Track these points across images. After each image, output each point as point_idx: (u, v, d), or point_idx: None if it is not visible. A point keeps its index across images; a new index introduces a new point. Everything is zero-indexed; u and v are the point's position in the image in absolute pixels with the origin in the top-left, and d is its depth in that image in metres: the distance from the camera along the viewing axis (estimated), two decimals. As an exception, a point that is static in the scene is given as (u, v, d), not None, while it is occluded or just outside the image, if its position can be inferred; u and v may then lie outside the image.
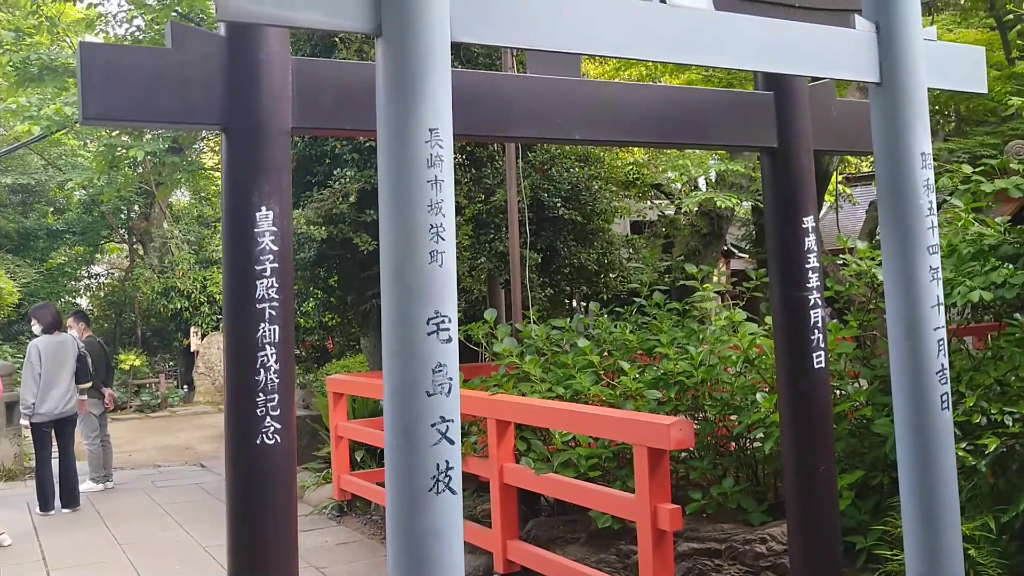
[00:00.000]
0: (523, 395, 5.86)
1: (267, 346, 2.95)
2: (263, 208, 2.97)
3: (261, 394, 2.93)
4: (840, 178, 16.78)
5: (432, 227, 2.39)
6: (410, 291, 2.38)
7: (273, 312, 2.96)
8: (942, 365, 3.27)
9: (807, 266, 3.98)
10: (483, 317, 6.41)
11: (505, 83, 3.42)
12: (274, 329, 2.95)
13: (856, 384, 5.28)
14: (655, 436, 4.31)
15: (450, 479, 2.38)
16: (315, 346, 15.57)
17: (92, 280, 26.49)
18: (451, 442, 2.38)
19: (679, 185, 15.25)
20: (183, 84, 2.95)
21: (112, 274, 27.07)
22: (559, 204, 7.64)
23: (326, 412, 8.97)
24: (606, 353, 6.16)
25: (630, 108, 3.58)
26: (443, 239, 2.41)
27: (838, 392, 5.25)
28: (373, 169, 7.55)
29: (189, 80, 2.96)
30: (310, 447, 9.72)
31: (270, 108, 3.04)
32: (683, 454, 5.51)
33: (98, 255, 26.22)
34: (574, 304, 10.02)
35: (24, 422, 8.78)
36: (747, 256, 16.57)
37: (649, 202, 14.80)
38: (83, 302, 26.84)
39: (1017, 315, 4.94)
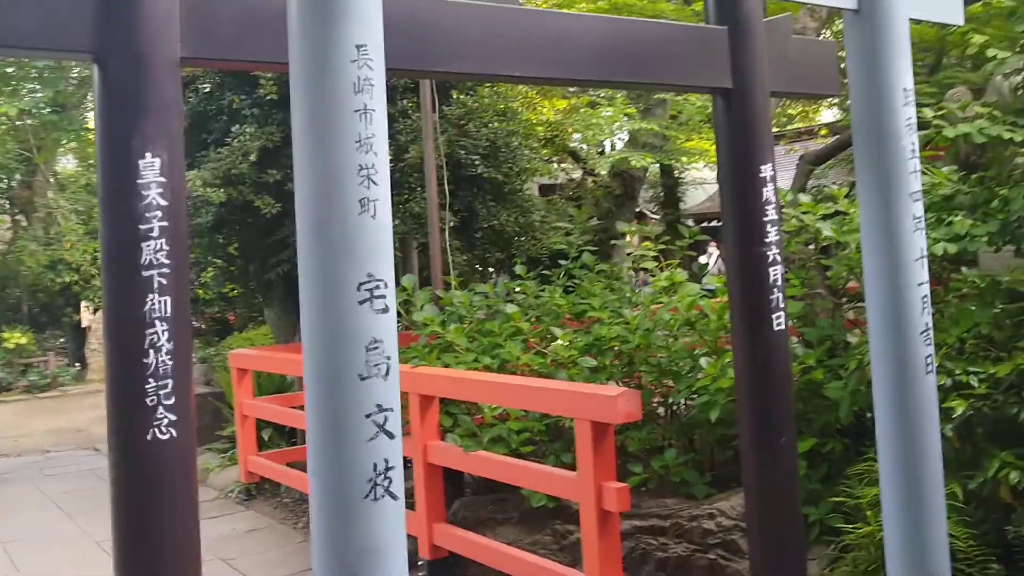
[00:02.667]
0: (447, 367, 5.42)
1: (157, 321, 2.43)
2: (147, 154, 2.44)
3: (151, 379, 2.42)
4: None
5: (362, 168, 1.93)
6: (336, 250, 1.91)
7: (164, 281, 2.44)
8: (926, 325, 2.95)
9: (765, 219, 3.62)
10: (400, 284, 5.93)
11: (432, 9, 2.94)
12: (165, 301, 2.44)
13: (800, 345, 4.99)
14: (600, 409, 3.93)
15: (390, 482, 1.93)
16: (216, 318, 14.82)
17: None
18: (390, 436, 1.94)
19: (586, 147, 14.94)
20: (45, 1, 2.40)
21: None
22: (478, 162, 7.16)
23: (229, 389, 8.39)
24: (534, 320, 5.75)
25: (574, 42, 3.14)
26: (376, 183, 1.95)
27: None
28: (275, 126, 6.97)
29: (51, -3, 2.40)
30: (213, 426, 9.12)
31: (153, 33, 2.50)
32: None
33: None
34: (490, 270, 9.59)
35: None
36: (658, 218, 16.40)
37: (557, 164, 14.45)
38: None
39: (964, 268, 4.71)
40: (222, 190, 6.65)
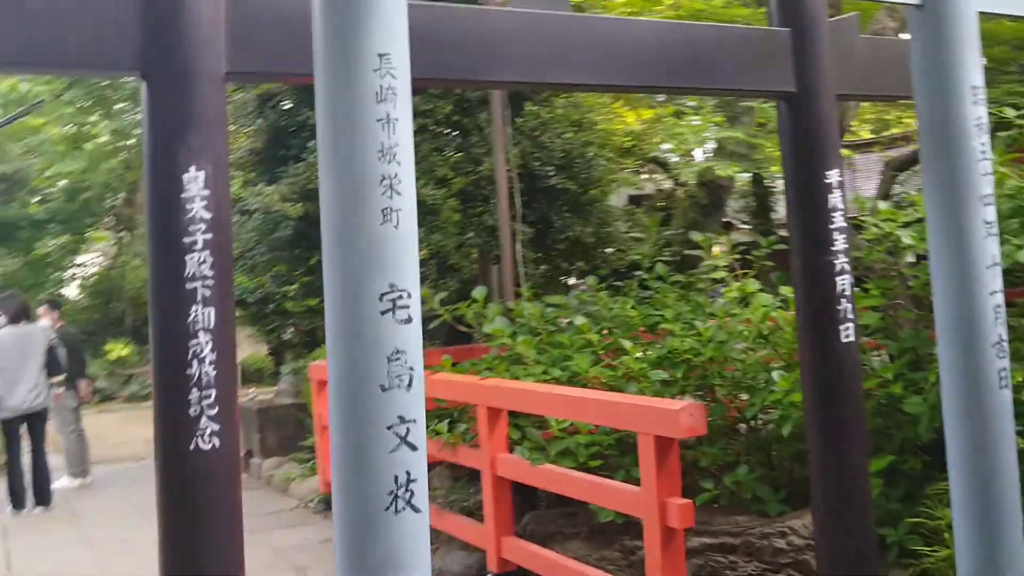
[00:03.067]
0: (516, 379, 5.38)
1: (200, 332, 2.46)
2: (192, 168, 2.47)
3: (195, 390, 2.45)
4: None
5: (384, 178, 1.90)
6: (358, 260, 1.89)
7: (207, 292, 2.47)
8: (1000, 336, 2.78)
9: (832, 227, 3.49)
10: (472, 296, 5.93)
11: (482, 18, 2.92)
12: (208, 312, 2.47)
13: (881, 358, 4.80)
14: (662, 423, 3.84)
15: (412, 494, 1.89)
16: (305, 331, 15.07)
17: (79, 269, 25.92)
18: (413, 448, 1.90)
19: (676, 156, 14.76)
20: (91, 21, 2.46)
21: (99, 263, 26.50)
22: (552, 173, 7.13)
23: (311, 400, 8.49)
24: (606, 331, 5.68)
25: (628, 47, 3.08)
26: (399, 193, 1.92)
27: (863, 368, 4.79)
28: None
29: (99, 16, 2.46)
30: (297, 437, 9.28)
31: (198, 49, 2.54)
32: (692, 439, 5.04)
33: (83, 244, 25.63)
34: (571, 281, 9.53)
35: (-8, 418, 8.31)
36: (748, 228, 16.09)
37: (647, 175, 14.29)
38: (71, 292, 26.35)
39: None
40: (300, 204, 6.76)
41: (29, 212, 24.14)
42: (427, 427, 5.01)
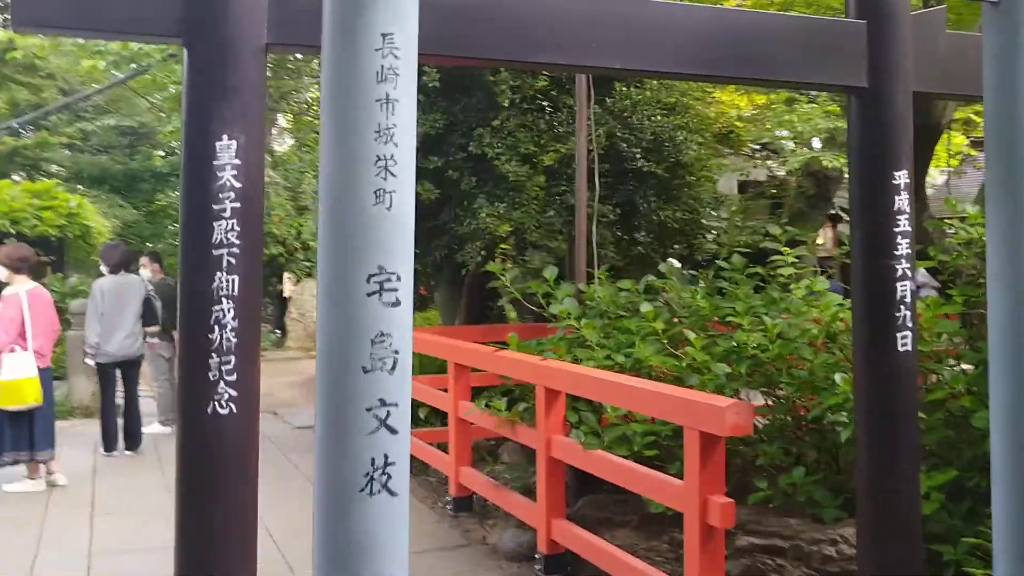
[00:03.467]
0: (578, 362, 5.35)
1: (224, 299, 2.51)
2: (224, 136, 2.51)
3: (215, 355, 2.50)
4: (966, 141, 15.60)
5: (379, 158, 1.89)
6: (347, 239, 1.89)
7: (232, 260, 2.51)
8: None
9: (896, 230, 3.33)
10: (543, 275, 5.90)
11: (528, -2, 2.87)
12: (232, 280, 2.51)
13: (956, 368, 4.58)
14: (708, 419, 3.75)
15: (389, 477, 1.90)
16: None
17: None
18: (393, 431, 1.90)
19: (790, 144, 14.33)
20: (136, -12, 2.51)
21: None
22: (639, 155, 7.00)
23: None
24: (676, 320, 5.58)
25: (681, 33, 2.99)
26: (393, 175, 1.91)
27: (934, 377, 4.58)
28: (439, 113, 7.08)
29: (144, -17, 2.51)
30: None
31: (240, 19, 2.57)
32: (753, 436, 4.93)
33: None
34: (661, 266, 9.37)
35: (89, 362, 8.72)
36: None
37: (755, 161, 13.93)
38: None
39: None
40: (437, 191, 6.86)
41: (152, 164, 25.17)
42: (487, 403, 5.03)
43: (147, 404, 10.52)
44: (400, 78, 1.91)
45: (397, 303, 1.90)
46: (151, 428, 9.89)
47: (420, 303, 13.47)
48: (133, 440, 8.82)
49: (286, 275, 21.54)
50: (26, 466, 7.32)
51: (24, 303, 7.03)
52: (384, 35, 1.89)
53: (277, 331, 22.20)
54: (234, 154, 2.52)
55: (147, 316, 8.85)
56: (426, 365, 8.32)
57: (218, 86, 2.54)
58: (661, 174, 7.19)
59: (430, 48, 2.26)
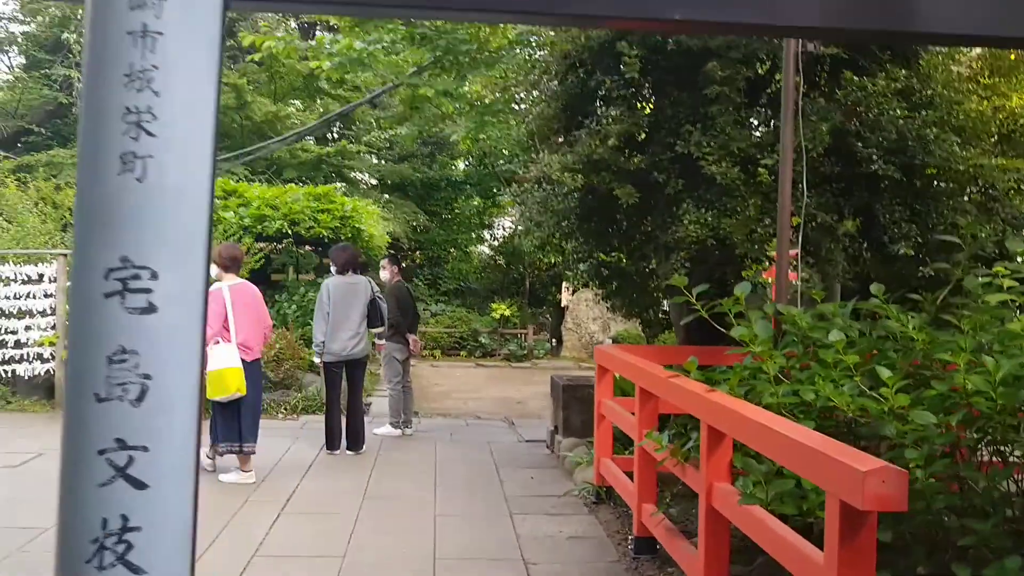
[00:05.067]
0: (757, 397, 4.51)
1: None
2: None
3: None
4: None
5: (129, 111, 1.41)
6: (88, 221, 1.42)
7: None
8: None
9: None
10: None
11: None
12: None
13: None
14: (845, 485, 2.89)
15: (129, 547, 1.40)
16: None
17: (487, 231, 27.67)
18: (139, 485, 1.40)
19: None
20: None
21: (505, 227, 28.09)
22: (875, 156, 5.91)
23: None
24: (875, 352, 4.58)
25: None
26: (152, 135, 1.42)
27: None
28: (645, 106, 6.42)
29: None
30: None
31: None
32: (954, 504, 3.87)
33: (494, 208, 27.22)
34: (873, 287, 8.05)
35: (316, 360, 8.90)
36: None
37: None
38: (482, 250, 28.24)
39: None
40: (580, 176, 6.28)
41: (448, 174, 26.20)
42: (651, 434, 4.31)
43: (380, 405, 10.69)
44: (167, 4, 1.40)
45: (150, 309, 1.39)
46: (382, 429, 10.00)
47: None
48: (355, 440, 8.90)
49: (564, 284, 21.48)
50: (237, 457, 7.55)
51: (228, 298, 7.27)
52: (144, -58, 1.40)
53: (553, 340, 22.22)
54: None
55: (371, 318, 8.91)
56: (628, 385, 7.68)
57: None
58: (904, 180, 6.02)
59: None
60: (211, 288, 7.50)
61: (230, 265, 7.49)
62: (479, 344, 21.10)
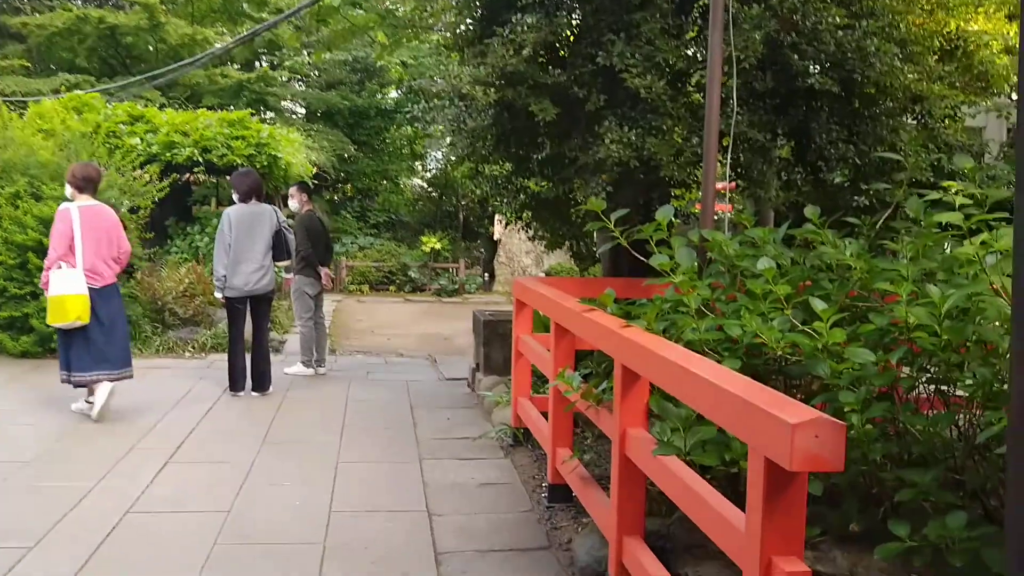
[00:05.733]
0: (678, 333, 4.02)
1: None
2: None
3: None
4: None
5: None
6: None
7: None
8: None
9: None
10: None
11: None
12: None
13: None
14: (770, 439, 2.41)
15: None
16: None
17: (418, 161, 26.82)
18: None
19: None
20: None
21: (438, 159, 27.24)
22: (812, 69, 5.38)
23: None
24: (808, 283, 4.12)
25: None
26: None
27: None
28: (566, 15, 5.81)
29: None
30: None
31: None
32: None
33: (426, 138, 26.28)
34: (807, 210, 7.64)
35: (217, 295, 8.24)
36: None
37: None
38: (416, 182, 27.44)
39: None
40: (494, 90, 5.66)
41: (378, 102, 25.25)
42: (562, 375, 3.78)
43: (295, 343, 10.09)
44: None
45: None
46: (293, 369, 9.42)
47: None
48: (261, 381, 8.31)
49: (496, 216, 20.84)
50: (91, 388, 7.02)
51: (76, 219, 6.77)
52: None
53: (486, 275, 21.69)
54: None
55: (276, 250, 8.24)
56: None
57: None
58: (837, 93, 5.48)
59: None
60: (59, 207, 6.90)
61: (84, 186, 6.95)
62: (409, 279, 20.50)
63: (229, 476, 5.79)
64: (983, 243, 3.24)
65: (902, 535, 3.09)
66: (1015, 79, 11.13)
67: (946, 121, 7.18)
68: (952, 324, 3.36)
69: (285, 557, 4.53)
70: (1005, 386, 3.26)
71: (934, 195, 3.63)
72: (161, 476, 5.79)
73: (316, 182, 21.17)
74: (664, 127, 5.56)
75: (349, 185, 24.68)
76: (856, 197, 6.20)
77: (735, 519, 2.75)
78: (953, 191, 3.46)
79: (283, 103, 24.17)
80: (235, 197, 8.25)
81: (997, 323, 3.43)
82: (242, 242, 8.02)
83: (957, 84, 6.74)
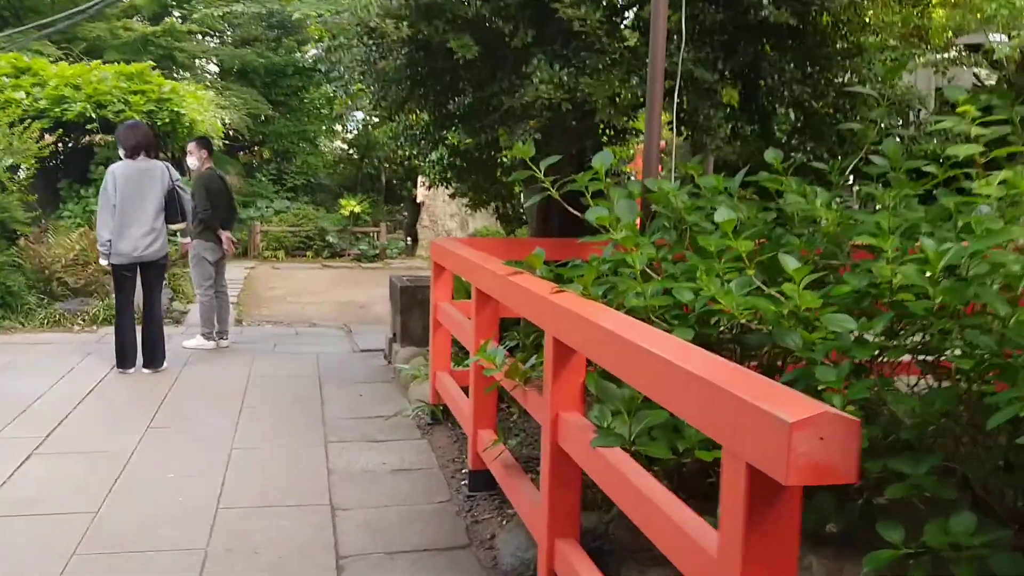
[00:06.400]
0: (618, 300, 3.39)
1: None
2: None
3: None
4: None
5: None
6: None
7: None
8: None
9: None
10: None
11: None
12: None
13: None
14: (757, 442, 1.78)
15: None
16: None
17: (338, 122, 25.71)
18: None
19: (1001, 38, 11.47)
20: None
21: (359, 119, 26.15)
22: (766, 1, 4.77)
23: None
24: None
25: None
26: None
27: None
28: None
29: None
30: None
31: None
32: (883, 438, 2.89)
33: (348, 99, 25.10)
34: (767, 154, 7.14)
35: (103, 262, 7.36)
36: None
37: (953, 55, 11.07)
38: (337, 144, 26.35)
39: None
40: (406, 23, 4.93)
41: (296, 60, 24.05)
42: (483, 349, 3.04)
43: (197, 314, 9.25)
44: None
45: None
46: (192, 342, 8.60)
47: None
48: (153, 356, 7.48)
49: (419, 178, 20.00)
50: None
51: None
52: None
53: (409, 239, 20.88)
54: None
55: (169, 212, 7.39)
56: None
57: None
58: (793, 26, 4.89)
59: None
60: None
61: None
62: (327, 244, 19.59)
63: (103, 469, 5.02)
64: (1003, 182, 2.65)
65: (895, 541, 2.51)
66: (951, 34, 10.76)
67: (888, 74, 6.71)
68: (950, 285, 2.78)
69: (156, 569, 3.81)
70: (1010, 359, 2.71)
71: (948, 122, 3.03)
72: (21, 471, 5.00)
73: (229, 142, 20.07)
74: (600, 66, 4.91)
75: (266, 148, 23.50)
76: (808, 145, 5.64)
77: (704, 540, 2.13)
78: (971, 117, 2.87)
79: (196, 61, 22.86)
80: (121, 153, 7.36)
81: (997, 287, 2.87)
82: (130, 203, 7.16)
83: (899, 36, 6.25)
